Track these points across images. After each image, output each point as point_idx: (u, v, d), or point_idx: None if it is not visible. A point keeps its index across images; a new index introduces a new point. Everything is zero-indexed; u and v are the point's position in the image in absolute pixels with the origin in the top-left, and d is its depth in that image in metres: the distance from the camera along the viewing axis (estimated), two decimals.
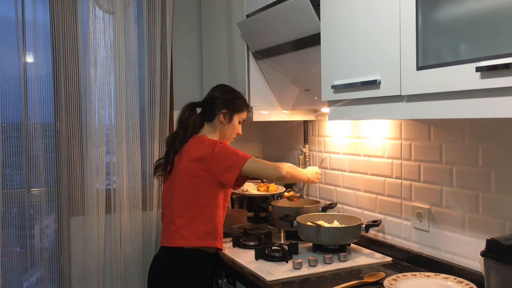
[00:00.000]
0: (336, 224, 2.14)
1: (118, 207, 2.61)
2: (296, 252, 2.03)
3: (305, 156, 2.61)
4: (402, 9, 1.34)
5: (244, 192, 2.47)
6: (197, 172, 1.97)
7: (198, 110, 2.16)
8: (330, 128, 2.43)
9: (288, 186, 2.70)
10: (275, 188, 2.46)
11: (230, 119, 2.12)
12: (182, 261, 1.96)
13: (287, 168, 2.03)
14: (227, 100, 2.12)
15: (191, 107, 2.12)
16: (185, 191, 1.99)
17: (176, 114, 2.84)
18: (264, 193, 2.44)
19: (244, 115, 2.17)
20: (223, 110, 2.10)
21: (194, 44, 2.94)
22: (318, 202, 2.42)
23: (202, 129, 2.13)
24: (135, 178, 2.64)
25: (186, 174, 1.99)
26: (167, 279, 1.96)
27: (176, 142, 2.06)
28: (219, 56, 2.67)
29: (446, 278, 1.63)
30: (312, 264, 1.86)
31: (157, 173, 2.13)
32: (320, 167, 2.52)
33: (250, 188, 2.48)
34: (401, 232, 1.98)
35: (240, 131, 2.20)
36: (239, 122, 2.17)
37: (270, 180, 2.46)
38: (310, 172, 2.18)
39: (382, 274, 1.73)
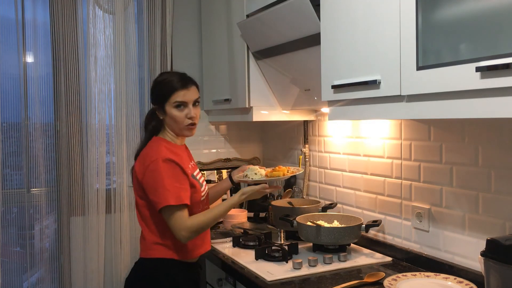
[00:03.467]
0: (336, 224, 2.13)
1: (118, 207, 2.61)
2: (296, 252, 2.03)
3: (305, 156, 2.61)
4: (402, 9, 1.34)
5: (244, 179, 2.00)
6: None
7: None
8: (330, 128, 2.43)
9: (288, 186, 2.70)
10: (284, 171, 1.97)
11: (164, 112, 1.83)
12: (145, 272, 1.83)
13: (192, 231, 1.73)
14: (151, 96, 1.89)
15: (152, 111, 1.92)
16: (136, 198, 1.86)
17: None
18: (265, 178, 1.94)
19: (175, 97, 1.79)
20: (154, 107, 1.88)
21: (194, 44, 2.94)
22: (318, 202, 2.42)
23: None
24: None
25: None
26: None
27: (138, 148, 1.91)
28: (219, 56, 2.67)
29: (446, 278, 1.63)
30: (312, 264, 1.86)
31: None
32: (319, 167, 2.52)
33: (251, 173, 1.99)
34: (401, 232, 1.98)
35: (187, 115, 1.81)
36: (177, 107, 1.80)
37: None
38: (233, 201, 1.84)
39: (382, 274, 1.73)
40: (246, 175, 1.97)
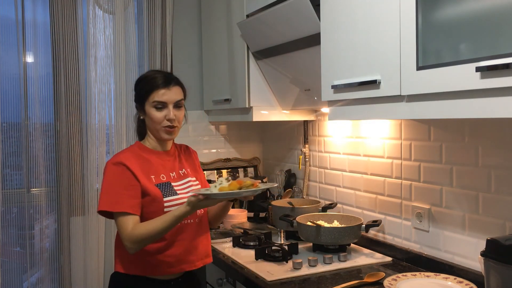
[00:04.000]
0: (336, 224, 2.13)
1: None
2: (296, 252, 2.03)
3: (305, 156, 2.61)
4: (402, 9, 1.34)
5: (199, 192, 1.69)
6: None
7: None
8: (330, 128, 2.43)
9: (288, 186, 2.70)
10: (249, 183, 1.65)
11: (145, 112, 1.72)
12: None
13: (134, 241, 1.61)
14: (134, 93, 1.77)
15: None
16: None
17: None
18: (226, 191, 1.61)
19: (154, 96, 1.68)
20: (136, 106, 1.78)
21: (194, 44, 2.94)
22: (318, 202, 2.42)
23: None
24: None
25: None
26: None
27: None
28: (219, 56, 2.67)
29: (446, 278, 1.63)
30: (312, 264, 1.86)
31: None
32: (319, 167, 2.52)
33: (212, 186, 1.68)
34: (401, 232, 1.98)
35: (166, 117, 1.68)
36: (156, 107, 1.68)
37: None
38: (179, 212, 1.60)
39: (382, 274, 1.73)
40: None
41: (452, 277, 1.63)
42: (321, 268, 1.84)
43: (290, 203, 2.38)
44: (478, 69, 1.10)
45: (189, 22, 2.92)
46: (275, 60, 2.19)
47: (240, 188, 1.58)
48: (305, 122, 2.62)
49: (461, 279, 1.60)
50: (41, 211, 2.53)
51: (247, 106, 2.38)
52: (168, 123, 1.70)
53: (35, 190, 2.53)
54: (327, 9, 1.67)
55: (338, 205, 2.36)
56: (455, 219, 1.73)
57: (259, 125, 3.10)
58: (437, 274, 1.68)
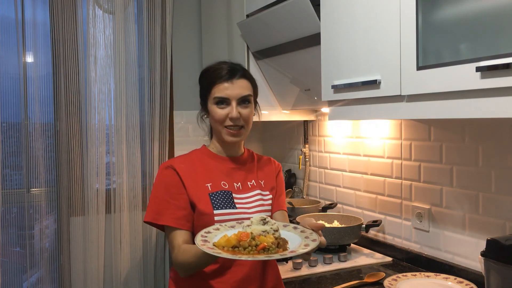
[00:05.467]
0: (336, 224, 2.13)
1: (118, 207, 2.61)
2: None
3: (305, 156, 2.60)
4: (402, 9, 1.34)
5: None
6: None
7: None
8: (330, 128, 2.43)
9: (288, 186, 2.70)
10: (266, 240, 1.15)
11: (207, 110, 1.52)
12: None
13: (177, 264, 1.39)
14: (200, 90, 1.57)
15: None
16: None
17: (176, 114, 2.88)
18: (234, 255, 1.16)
19: (215, 91, 1.47)
20: (200, 103, 1.57)
21: (194, 44, 2.94)
22: (318, 202, 2.42)
23: None
24: (135, 178, 2.64)
25: None
26: None
27: None
28: (219, 56, 2.67)
29: (446, 278, 1.63)
30: (312, 264, 1.86)
31: None
32: (319, 167, 2.52)
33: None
34: (401, 232, 1.98)
35: (229, 115, 1.45)
36: (218, 103, 1.47)
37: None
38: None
39: (382, 274, 1.73)
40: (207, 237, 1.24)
41: (452, 277, 1.63)
42: (321, 268, 1.84)
43: (290, 203, 2.38)
44: (478, 69, 1.10)
45: (189, 22, 2.92)
46: (275, 60, 2.19)
47: (235, 247, 1.14)
48: (305, 122, 2.62)
49: (461, 279, 1.60)
50: (41, 211, 2.52)
51: None
52: (231, 123, 1.46)
53: (35, 190, 2.53)
54: (327, 9, 1.67)
55: (338, 205, 2.36)
56: (455, 219, 1.73)
57: (259, 125, 3.10)
58: (437, 274, 1.68)
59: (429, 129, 1.83)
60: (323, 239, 1.22)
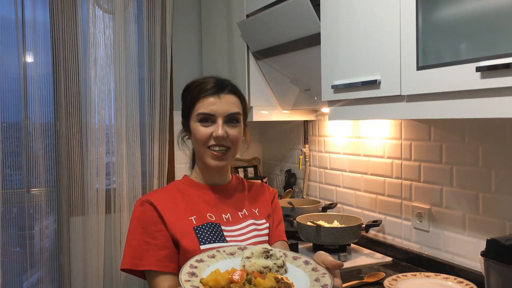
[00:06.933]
0: (336, 224, 2.13)
1: (118, 207, 2.61)
2: (296, 252, 2.03)
3: (305, 156, 2.60)
4: (402, 9, 1.34)
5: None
6: None
7: None
8: (330, 128, 2.43)
9: (288, 186, 2.70)
10: (264, 285, 0.94)
11: (189, 130, 1.34)
12: None
13: None
14: (182, 108, 1.38)
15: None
16: None
17: (176, 114, 2.88)
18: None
19: (199, 107, 1.29)
20: (182, 122, 1.39)
21: (194, 44, 2.94)
22: (318, 202, 2.42)
23: None
24: (135, 178, 2.64)
25: None
26: None
27: None
28: (219, 56, 2.67)
29: (446, 278, 1.63)
30: None
31: None
32: (319, 167, 2.52)
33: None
34: (401, 232, 1.98)
35: (214, 132, 1.28)
36: (202, 121, 1.29)
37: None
38: None
39: (382, 274, 1.72)
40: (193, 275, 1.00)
41: (452, 277, 1.63)
42: None
43: (290, 203, 2.38)
44: (478, 69, 1.10)
45: (189, 22, 2.92)
46: (275, 60, 2.19)
47: None
48: (305, 122, 2.62)
49: (461, 279, 1.60)
50: (41, 211, 2.52)
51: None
52: (214, 142, 1.28)
53: (35, 190, 2.53)
54: (327, 9, 1.67)
55: (338, 205, 2.36)
56: (455, 219, 1.73)
57: (259, 125, 3.10)
58: (437, 274, 1.68)
59: (429, 129, 1.83)
60: (337, 281, 1.01)
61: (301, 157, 2.64)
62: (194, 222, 1.27)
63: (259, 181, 1.53)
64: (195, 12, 2.93)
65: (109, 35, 2.59)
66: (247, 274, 0.95)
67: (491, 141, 1.59)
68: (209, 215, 1.30)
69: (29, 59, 2.48)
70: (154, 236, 1.24)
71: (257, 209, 1.39)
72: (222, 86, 1.32)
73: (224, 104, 1.29)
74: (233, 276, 0.95)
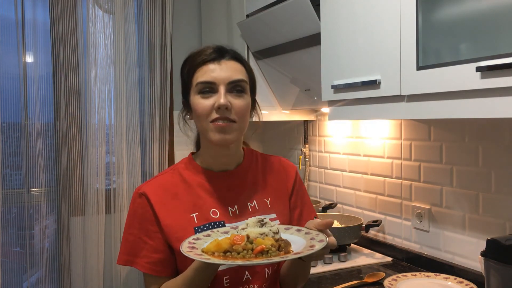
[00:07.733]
0: (336, 224, 2.13)
1: (118, 207, 2.61)
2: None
3: (305, 156, 2.60)
4: (402, 9, 1.34)
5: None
6: None
7: None
8: (330, 128, 2.43)
9: None
10: (265, 243, 0.97)
11: (189, 106, 1.20)
12: None
13: None
14: (181, 84, 1.23)
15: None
16: None
17: (176, 114, 2.87)
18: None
19: (198, 75, 1.14)
20: (182, 101, 1.25)
21: (194, 44, 2.93)
22: (318, 202, 2.42)
23: None
24: (135, 178, 2.64)
25: None
26: None
27: None
28: None
29: (446, 278, 1.63)
30: (312, 264, 1.86)
31: None
32: (319, 167, 2.52)
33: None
34: (401, 232, 1.98)
35: (215, 102, 1.12)
36: (202, 92, 1.14)
37: None
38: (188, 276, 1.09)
39: (382, 274, 1.72)
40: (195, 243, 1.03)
41: (452, 277, 1.63)
42: (321, 268, 1.84)
43: None
44: (478, 69, 1.10)
45: (189, 22, 2.92)
46: (275, 60, 2.19)
47: (226, 252, 0.95)
48: (305, 122, 2.62)
49: (461, 279, 1.60)
50: (41, 211, 2.52)
51: None
52: (217, 115, 1.11)
53: (35, 190, 2.53)
54: (327, 9, 1.67)
55: (338, 205, 2.36)
56: (455, 219, 1.73)
57: (259, 125, 3.09)
58: (437, 274, 1.68)
59: (429, 129, 1.83)
60: (332, 239, 1.01)
61: (301, 157, 2.64)
62: (196, 221, 1.16)
63: (277, 157, 1.34)
64: (195, 12, 2.93)
65: (109, 35, 2.59)
66: (248, 238, 0.99)
67: (491, 141, 1.59)
68: (212, 211, 1.17)
69: (29, 59, 2.48)
70: (150, 236, 1.17)
71: (269, 199, 1.23)
72: (223, 51, 1.16)
73: (225, 70, 1.13)
74: (234, 239, 0.96)
